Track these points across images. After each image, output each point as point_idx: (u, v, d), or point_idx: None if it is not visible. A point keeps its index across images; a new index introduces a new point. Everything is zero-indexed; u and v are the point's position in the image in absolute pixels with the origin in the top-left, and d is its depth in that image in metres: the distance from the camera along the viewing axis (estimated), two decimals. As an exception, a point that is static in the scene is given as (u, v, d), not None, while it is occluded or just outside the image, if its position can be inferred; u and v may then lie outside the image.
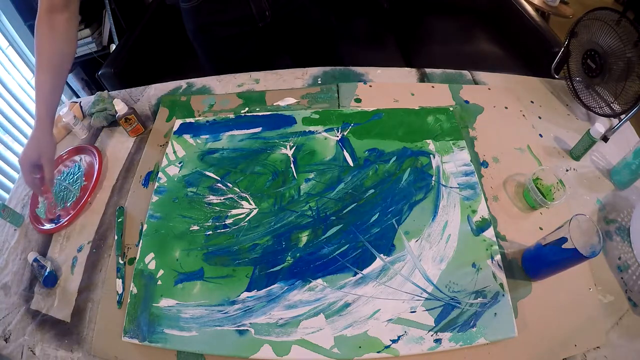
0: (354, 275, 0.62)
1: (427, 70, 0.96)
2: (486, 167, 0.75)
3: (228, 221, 0.70)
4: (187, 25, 0.98)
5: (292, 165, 0.76)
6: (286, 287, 0.61)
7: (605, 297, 0.61)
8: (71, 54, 0.79)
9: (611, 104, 0.79)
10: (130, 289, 0.63)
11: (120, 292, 0.64)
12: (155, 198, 0.74)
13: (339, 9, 1.63)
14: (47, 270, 0.68)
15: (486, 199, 0.70)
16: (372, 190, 0.71)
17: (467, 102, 0.87)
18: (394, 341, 0.55)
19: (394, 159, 0.75)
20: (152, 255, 0.67)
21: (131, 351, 0.59)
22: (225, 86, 0.96)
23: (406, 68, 0.97)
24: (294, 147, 0.79)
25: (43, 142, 0.71)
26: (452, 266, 0.62)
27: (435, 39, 1.59)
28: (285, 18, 0.98)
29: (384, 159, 0.76)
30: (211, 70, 1.05)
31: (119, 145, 0.87)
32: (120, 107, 0.82)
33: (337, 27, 1.13)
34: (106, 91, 0.99)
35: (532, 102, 0.88)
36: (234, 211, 0.71)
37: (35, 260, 0.69)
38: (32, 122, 1.87)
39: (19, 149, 1.76)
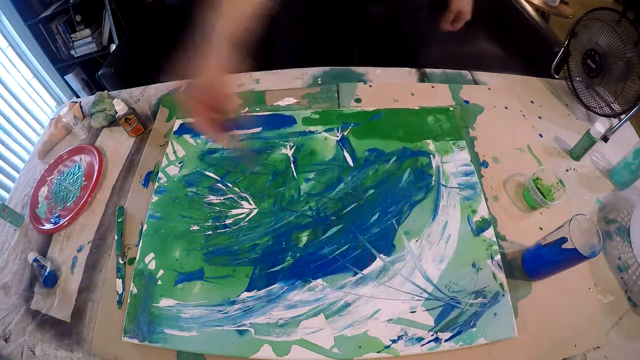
0: (354, 275, 0.62)
1: (427, 70, 0.96)
2: (486, 167, 0.75)
3: (228, 221, 0.70)
4: (279, 18, 0.93)
5: (292, 165, 0.76)
6: (286, 287, 0.61)
7: (605, 297, 0.61)
8: None
9: (611, 104, 0.79)
10: (130, 289, 0.63)
11: (120, 292, 0.64)
12: (155, 198, 0.74)
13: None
14: (47, 270, 0.68)
15: (486, 199, 0.70)
16: (372, 190, 0.71)
17: (467, 102, 0.87)
18: (393, 341, 0.55)
19: (394, 159, 0.75)
20: (152, 255, 0.67)
21: (131, 351, 0.59)
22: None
23: (406, 68, 0.97)
24: (294, 147, 0.79)
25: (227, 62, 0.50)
26: (452, 266, 0.62)
27: (435, 39, 1.58)
28: (393, 26, 0.96)
29: (384, 159, 0.76)
30: (290, 61, 1.01)
31: (119, 145, 0.87)
32: (120, 107, 0.82)
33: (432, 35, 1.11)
34: (106, 91, 0.99)
35: (532, 102, 0.88)
36: (234, 211, 0.71)
37: (35, 260, 0.69)
38: (32, 122, 1.87)
39: (19, 149, 1.76)
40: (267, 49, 0.89)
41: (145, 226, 0.70)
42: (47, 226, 0.76)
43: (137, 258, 0.66)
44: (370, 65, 0.97)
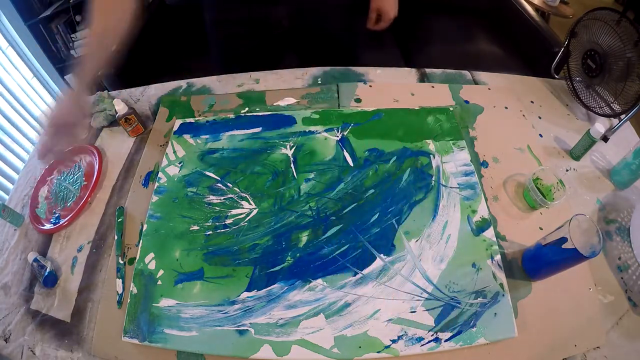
0: (354, 275, 0.62)
1: (427, 70, 0.96)
2: (486, 167, 0.75)
3: (228, 221, 0.70)
4: (204, 16, 0.97)
5: (292, 165, 0.76)
6: (286, 287, 0.61)
7: (605, 297, 0.61)
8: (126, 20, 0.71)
9: (611, 104, 0.79)
10: (130, 289, 0.63)
11: (120, 292, 0.64)
12: (155, 198, 0.74)
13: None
14: (47, 270, 0.68)
15: (486, 199, 0.70)
16: (372, 190, 0.71)
17: (467, 102, 0.87)
18: (393, 341, 0.55)
19: (394, 159, 0.75)
20: (152, 255, 0.67)
21: (131, 351, 0.59)
22: (225, 86, 0.96)
23: (406, 68, 0.97)
24: (294, 147, 0.79)
25: (82, 100, 0.67)
26: (452, 266, 0.62)
27: (435, 39, 1.59)
28: (301, 29, 0.96)
29: (384, 159, 0.76)
30: (215, 68, 1.04)
31: (119, 145, 0.87)
32: (120, 107, 0.82)
33: (359, 34, 1.09)
34: (106, 91, 0.99)
35: (532, 102, 0.88)
36: (234, 211, 0.71)
37: (35, 260, 0.69)
38: (32, 122, 1.87)
39: (19, 149, 1.76)
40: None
41: (145, 226, 0.70)
42: (47, 226, 0.76)
43: (137, 258, 0.66)
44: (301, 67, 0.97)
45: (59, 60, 2.01)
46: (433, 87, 0.91)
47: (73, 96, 0.66)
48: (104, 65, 0.69)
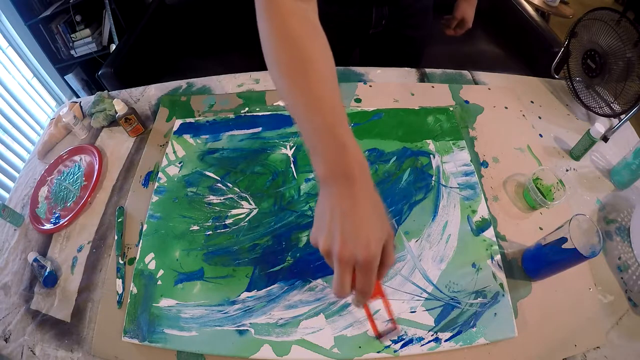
0: (354, 275, 0.62)
1: (427, 70, 0.96)
2: (486, 167, 0.75)
3: (228, 221, 0.70)
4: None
5: (292, 165, 0.76)
6: (286, 287, 0.61)
7: (605, 297, 0.61)
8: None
9: (611, 104, 0.79)
10: (130, 289, 0.63)
11: (120, 292, 0.64)
12: (155, 198, 0.74)
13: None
14: (47, 270, 0.68)
15: (486, 199, 0.70)
16: (372, 190, 0.71)
17: (467, 102, 0.87)
18: (393, 341, 0.55)
19: (394, 159, 0.75)
20: (152, 255, 0.67)
21: (131, 351, 0.59)
22: (225, 86, 0.96)
23: (406, 68, 0.97)
24: (294, 147, 0.79)
25: (380, 207, 0.44)
26: (452, 266, 0.62)
27: (435, 39, 1.58)
28: (392, 30, 0.97)
29: (384, 159, 0.76)
30: (215, 68, 1.04)
31: (119, 145, 0.87)
32: (120, 107, 0.82)
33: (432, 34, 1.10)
34: (106, 91, 0.99)
35: (532, 102, 0.88)
36: (234, 211, 0.71)
37: (35, 260, 0.69)
38: (32, 122, 1.86)
39: (19, 149, 1.76)
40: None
41: (145, 226, 0.70)
42: (47, 226, 0.76)
43: (137, 258, 0.66)
44: (372, 66, 0.97)
45: (59, 60, 2.01)
46: (433, 87, 0.91)
47: (372, 202, 0.44)
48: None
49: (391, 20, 0.95)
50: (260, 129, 0.83)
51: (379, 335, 0.54)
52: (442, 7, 1.05)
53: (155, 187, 0.75)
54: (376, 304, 0.59)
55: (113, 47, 1.99)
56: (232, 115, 0.87)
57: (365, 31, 0.97)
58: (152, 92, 0.99)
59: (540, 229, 0.67)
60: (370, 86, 0.91)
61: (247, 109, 0.88)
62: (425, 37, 1.08)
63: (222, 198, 0.73)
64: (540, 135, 0.81)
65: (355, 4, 0.91)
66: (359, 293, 0.41)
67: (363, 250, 0.38)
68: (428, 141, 0.78)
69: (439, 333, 0.56)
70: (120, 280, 0.65)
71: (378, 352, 0.55)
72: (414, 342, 0.55)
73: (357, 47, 1.09)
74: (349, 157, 0.40)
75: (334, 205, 0.40)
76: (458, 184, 0.71)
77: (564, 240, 0.52)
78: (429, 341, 0.55)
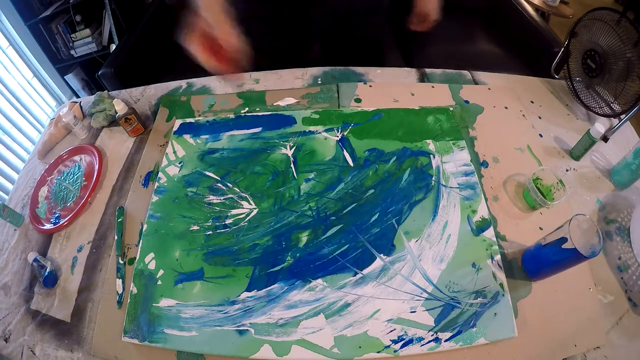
0: (354, 275, 0.62)
1: (427, 70, 0.96)
2: (486, 167, 0.75)
3: (228, 221, 0.70)
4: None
5: (292, 165, 0.76)
6: (286, 287, 0.61)
7: (605, 297, 0.61)
8: None
9: (611, 104, 0.79)
10: (130, 289, 0.63)
11: (120, 292, 0.64)
12: (155, 198, 0.74)
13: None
14: (47, 270, 0.68)
15: (486, 199, 0.70)
16: (372, 190, 0.71)
17: (467, 102, 0.87)
18: (394, 341, 0.55)
19: (394, 159, 0.75)
20: (152, 255, 0.67)
21: (131, 351, 0.59)
22: (225, 86, 0.96)
23: (406, 68, 0.97)
24: (294, 147, 0.79)
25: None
26: (452, 266, 0.62)
27: (435, 39, 1.59)
28: (334, 27, 0.95)
29: (384, 159, 0.76)
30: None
31: (119, 145, 0.87)
32: (120, 107, 0.82)
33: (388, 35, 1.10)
34: (106, 91, 0.99)
35: (532, 102, 0.88)
36: (234, 211, 0.71)
37: (35, 260, 0.69)
38: (33, 121, 1.87)
39: (19, 150, 1.76)
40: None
41: (145, 226, 0.70)
42: (47, 226, 0.76)
43: (137, 258, 0.67)
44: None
45: (59, 60, 2.01)
46: (433, 87, 0.91)
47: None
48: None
49: (336, 22, 0.93)
50: (260, 129, 0.83)
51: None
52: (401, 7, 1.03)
53: (155, 187, 0.75)
54: (376, 304, 0.59)
55: (113, 47, 1.99)
56: (232, 115, 0.87)
57: (312, 33, 0.95)
58: (152, 92, 0.99)
59: (540, 229, 0.67)
60: (370, 86, 0.91)
61: (247, 109, 0.88)
62: (379, 40, 1.05)
63: (222, 198, 0.73)
64: (540, 135, 0.81)
65: (292, 6, 0.89)
66: None
67: None
68: (428, 141, 0.78)
69: (439, 333, 0.56)
70: (120, 280, 0.65)
71: (378, 352, 0.55)
72: (414, 342, 0.55)
73: (317, 42, 1.05)
74: None
75: None
76: (458, 184, 0.71)
77: (564, 240, 0.52)
78: (429, 341, 0.55)
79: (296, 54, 1.00)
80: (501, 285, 0.60)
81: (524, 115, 0.84)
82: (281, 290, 0.61)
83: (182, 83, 1.00)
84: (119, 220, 0.73)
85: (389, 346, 0.55)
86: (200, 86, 0.98)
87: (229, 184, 0.75)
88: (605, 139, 0.77)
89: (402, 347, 0.55)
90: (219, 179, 0.76)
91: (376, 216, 0.68)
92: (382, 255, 0.63)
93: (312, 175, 0.74)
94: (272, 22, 0.92)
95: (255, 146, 0.80)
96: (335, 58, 1.00)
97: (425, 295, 0.59)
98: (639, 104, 0.72)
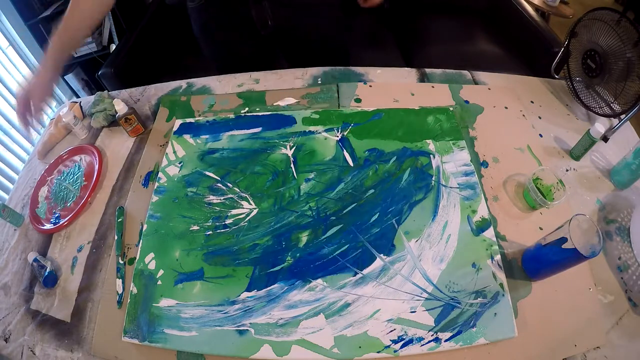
0: (354, 275, 0.62)
1: (427, 70, 0.96)
2: (486, 167, 0.75)
3: (228, 221, 0.70)
4: (192, 24, 0.98)
5: (292, 165, 0.76)
6: (286, 287, 0.61)
7: (605, 297, 0.61)
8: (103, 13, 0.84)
9: (611, 104, 0.79)
10: (130, 289, 0.63)
11: (120, 292, 0.64)
12: (155, 198, 0.74)
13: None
14: (47, 270, 0.68)
15: (486, 199, 0.70)
16: (372, 190, 0.71)
17: (467, 102, 0.87)
18: (394, 341, 0.55)
19: (394, 159, 0.75)
20: (152, 255, 0.67)
21: (131, 351, 0.59)
22: (225, 86, 0.96)
23: (406, 68, 0.97)
24: (294, 147, 0.79)
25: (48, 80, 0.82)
26: (452, 266, 0.62)
27: (435, 39, 1.59)
28: (289, 28, 0.95)
29: (384, 159, 0.76)
30: (213, 68, 1.04)
31: (119, 145, 0.87)
32: (120, 107, 0.82)
33: (345, 33, 1.09)
34: (106, 91, 0.99)
35: (532, 102, 0.88)
36: (234, 211, 0.71)
37: (35, 260, 0.69)
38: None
39: (19, 150, 1.76)
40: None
41: (145, 226, 0.70)
42: (47, 226, 0.76)
43: (137, 258, 0.67)
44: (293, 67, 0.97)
45: (59, 60, 2.00)
46: (433, 87, 0.91)
47: (40, 76, 0.81)
48: (72, 50, 0.78)
49: (278, 19, 0.92)
50: (260, 129, 0.83)
51: None
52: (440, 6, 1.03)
53: (155, 187, 0.75)
54: (376, 304, 0.59)
55: (113, 47, 1.98)
56: (232, 115, 0.87)
57: (258, 31, 0.94)
58: (152, 92, 0.99)
59: (540, 229, 0.67)
60: (370, 86, 0.91)
61: (247, 109, 0.88)
62: (329, 37, 1.03)
63: (222, 198, 0.73)
64: (540, 135, 0.81)
65: (235, 5, 0.89)
66: None
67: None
68: (428, 141, 0.78)
69: (439, 333, 0.56)
70: (120, 280, 0.65)
71: (378, 352, 0.55)
72: (414, 342, 0.55)
73: (265, 46, 1.04)
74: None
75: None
76: (458, 184, 0.71)
77: (564, 240, 0.52)
78: (429, 341, 0.55)
79: (266, 61, 1.01)
80: (501, 285, 0.59)
81: (524, 115, 0.84)
82: (281, 290, 0.61)
83: (182, 83, 1.00)
84: (119, 220, 0.73)
85: (389, 346, 0.55)
86: (200, 86, 0.98)
87: (229, 184, 0.75)
88: (605, 139, 0.77)
89: (402, 347, 0.55)
90: (219, 179, 0.76)
91: (376, 216, 0.68)
92: (382, 255, 0.63)
93: (312, 175, 0.74)
94: (232, 28, 0.94)
95: (255, 146, 0.80)
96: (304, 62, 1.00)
97: (425, 295, 0.59)
98: (639, 104, 0.72)
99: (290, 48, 1.06)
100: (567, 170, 0.76)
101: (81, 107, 0.97)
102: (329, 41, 1.03)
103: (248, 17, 0.91)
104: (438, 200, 0.69)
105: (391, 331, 0.56)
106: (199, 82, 0.99)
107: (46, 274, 0.67)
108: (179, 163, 0.79)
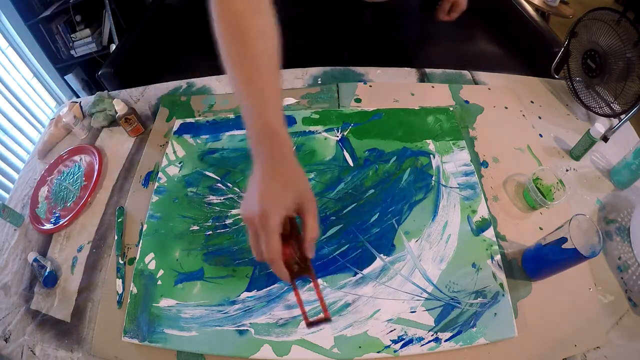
0: (354, 275, 0.62)
1: (427, 70, 0.96)
2: (486, 167, 0.75)
3: (228, 221, 0.70)
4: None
5: (292, 165, 0.76)
6: (286, 287, 0.61)
7: (605, 297, 0.61)
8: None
9: (611, 104, 0.79)
10: (130, 289, 0.63)
11: (120, 292, 0.64)
12: (155, 198, 0.74)
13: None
14: (47, 270, 0.68)
15: (486, 199, 0.70)
16: (372, 190, 0.71)
17: (467, 102, 0.87)
18: (394, 341, 0.55)
19: (394, 159, 0.75)
20: (152, 255, 0.67)
21: (131, 351, 0.59)
22: (226, 86, 0.96)
23: (406, 68, 0.97)
24: (294, 147, 0.79)
25: (301, 179, 0.46)
26: (452, 266, 0.62)
27: (435, 39, 1.59)
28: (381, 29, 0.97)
29: (384, 159, 0.76)
30: (214, 68, 1.04)
31: (119, 145, 0.87)
32: (120, 107, 0.82)
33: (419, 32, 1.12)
34: (106, 91, 0.99)
35: (532, 102, 0.88)
36: (234, 211, 0.71)
37: (35, 260, 0.69)
38: (33, 121, 1.86)
39: (19, 150, 1.76)
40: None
41: (145, 226, 0.70)
42: (47, 226, 0.76)
43: (137, 258, 0.66)
44: (360, 65, 0.97)
45: (59, 60, 2.01)
46: (433, 87, 0.91)
47: (284, 173, 0.45)
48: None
49: (375, 23, 0.94)
50: (260, 129, 0.83)
51: (309, 324, 0.48)
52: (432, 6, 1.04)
53: (155, 187, 0.75)
54: (376, 304, 0.59)
55: (113, 47, 1.98)
56: (232, 115, 0.87)
57: (350, 34, 0.96)
58: (152, 92, 0.99)
59: (540, 229, 0.67)
60: (370, 86, 0.91)
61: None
62: (411, 39, 1.08)
63: (222, 198, 0.73)
64: (540, 135, 0.81)
65: (340, 8, 0.90)
66: (266, 258, 0.43)
67: (258, 212, 0.41)
68: (428, 141, 0.78)
69: (439, 333, 0.56)
70: (120, 280, 0.65)
71: (378, 352, 0.55)
72: (414, 342, 0.55)
73: (346, 48, 1.08)
74: (268, 141, 0.46)
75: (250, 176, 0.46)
76: (458, 184, 0.71)
77: (564, 240, 0.52)
78: (429, 341, 0.55)
79: (324, 56, 1.01)
80: (501, 285, 0.60)
81: (524, 115, 0.84)
82: (281, 290, 0.61)
83: (182, 83, 1.00)
84: (119, 220, 0.73)
85: (389, 346, 0.55)
86: (200, 86, 0.98)
87: (229, 184, 0.74)
88: (605, 139, 0.77)
89: (402, 347, 0.55)
90: (219, 179, 0.76)
91: (376, 216, 0.68)
92: (382, 255, 0.63)
93: (312, 175, 0.74)
94: (305, 23, 0.92)
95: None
96: (362, 61, 1.01)
97: (425, 295, 0.59)
98: (639, 104, 0.72)
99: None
100: (567, 170, 0.76)
101: (81, 107, 0.97)
102: (400, 40, 1.04)
103: (348, 19, 0.92)
104: (438, 200, 0.69)
105: (391, 331, 0.56)
106: (199, 82, 0.99)
107: (46, 274, 0.67)
108: (179, 163, 0.79)
